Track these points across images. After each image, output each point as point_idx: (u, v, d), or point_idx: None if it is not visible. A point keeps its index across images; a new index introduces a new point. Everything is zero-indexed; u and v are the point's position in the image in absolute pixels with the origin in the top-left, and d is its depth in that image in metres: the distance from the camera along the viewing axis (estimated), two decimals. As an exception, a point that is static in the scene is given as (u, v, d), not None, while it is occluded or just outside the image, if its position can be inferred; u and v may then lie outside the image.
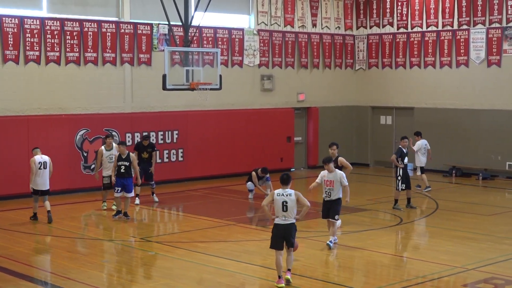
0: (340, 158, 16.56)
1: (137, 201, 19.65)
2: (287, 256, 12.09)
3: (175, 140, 23.60)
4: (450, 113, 26.28)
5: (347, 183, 14.62)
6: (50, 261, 13.64)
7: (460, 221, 17.53)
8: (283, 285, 11.74)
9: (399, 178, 18.80)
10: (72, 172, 21.34)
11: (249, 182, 20.72)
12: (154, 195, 20.24)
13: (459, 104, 26.06)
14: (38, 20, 20.93)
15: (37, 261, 13.58)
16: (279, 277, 11.82)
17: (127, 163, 17.67)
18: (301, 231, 15.92)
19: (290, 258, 12.11)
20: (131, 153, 18.19)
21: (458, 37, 25.88)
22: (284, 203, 11.86)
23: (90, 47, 21.92)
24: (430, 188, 22.14)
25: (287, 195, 11.91)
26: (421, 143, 22.65)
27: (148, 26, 23.13)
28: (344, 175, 14.62)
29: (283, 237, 11.95)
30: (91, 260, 13.77)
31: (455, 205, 19.92)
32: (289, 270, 12.04)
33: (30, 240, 15.51)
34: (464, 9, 25.67)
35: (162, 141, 23.18)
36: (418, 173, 22.50)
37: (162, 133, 23.24)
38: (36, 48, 20.92)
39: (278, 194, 11.96)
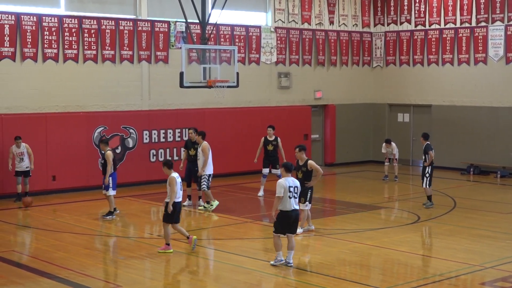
0: (309, 162, 15.39)
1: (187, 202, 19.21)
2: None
3: (192, 138, 23.62)
4: (468, 110, 26.16)
5: (276, 195, 12.87)
6: (68, 258, 13.71)
7: (478, 219, 17.45)
8: None
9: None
10: (90, 169, 21.41)
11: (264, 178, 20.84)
12: (201, 199, 19.16)
13: (477, 102, 25.94)
14: (56, 18, 21.03)
15: (55, 258, 13.65)
16: None
17: (102, 161, 17.91)
18: (318, 228, 15.96)
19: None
20: (108, 151, 17.43)
21: (476, 34, 25.75)
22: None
23: (107, 45, 22.01)
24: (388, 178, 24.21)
25: None
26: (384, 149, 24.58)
27: (166, 24, 23.19)
28: (278, 184, 12.91)
29: None
30: (108, 257, 13.84)
31: (472, 203, 19.83)
32: None
33: (49, 237, 15.60)
34: (482, 6, 25.53)
35: (179, 139, 23.23)
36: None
37: (179, 130, 23.29)
38: (54, 46, 21.03)
39: None
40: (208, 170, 18.46)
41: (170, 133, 23.05)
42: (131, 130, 22.35)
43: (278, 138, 20.71)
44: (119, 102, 22.45)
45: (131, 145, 22.41)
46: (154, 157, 22.84)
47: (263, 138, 20.83)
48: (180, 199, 14.11)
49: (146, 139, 22.65)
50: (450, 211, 18.56)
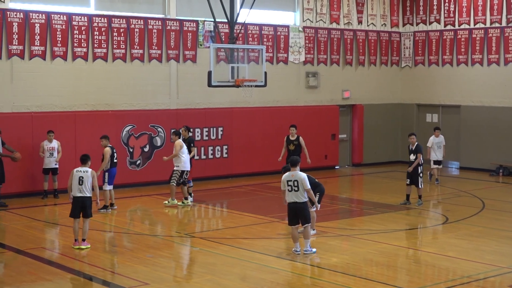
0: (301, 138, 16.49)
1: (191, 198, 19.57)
2: None
3: (219, 137, 23.70)
4: (497, 111, 25.93)
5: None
6: (95, 255, 13.81)
7: (507, 221, 17.30)
8: None
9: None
10: (118, 168, 21.46)
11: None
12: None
13: (507, 102, 25.69)
14: (85, 17, 21.20)
15: (83, 255, 13.76)
16: None
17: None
18: (345, 229, 15.91)
19: None
20: (107, 148, 18.43)
21: (507, 34, 25.51)
22: None
23: (136, 44, 22.13)
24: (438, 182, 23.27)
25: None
26: (432, 139, 23.41)
27: (194, 23, 23.26)
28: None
29: None
30: (136, 255, 13.91)
31: (501, 204, 19.66)
32: None
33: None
34: (513, 5, 25.32)
35: (207, 138, 23.30)
36: (432, 166, 23.59)
37: (207, 129, 23.37)
38: (84, 44, 21.19)
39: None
40: (184, 166, 18.92)
41: (197, 132, 23.12)
42: (159, 129, 22.46)
43: (300, 138, 20.66)
44: (147, 101, 22.56)
45: (159, 143, 22.51)
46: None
47: (285, 137, 20.82)
48: (79, 195, 14.48)
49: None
50: (479, 213, 18.41)
